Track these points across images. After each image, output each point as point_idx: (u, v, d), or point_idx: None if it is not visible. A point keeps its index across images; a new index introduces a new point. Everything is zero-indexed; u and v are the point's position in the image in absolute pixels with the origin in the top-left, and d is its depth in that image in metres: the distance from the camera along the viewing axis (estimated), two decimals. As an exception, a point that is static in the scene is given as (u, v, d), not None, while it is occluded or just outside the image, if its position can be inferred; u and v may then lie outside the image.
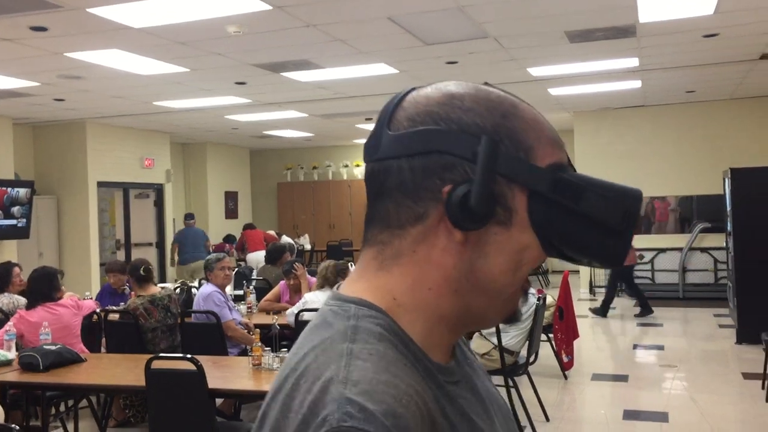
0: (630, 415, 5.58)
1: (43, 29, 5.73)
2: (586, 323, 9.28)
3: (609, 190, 0.74)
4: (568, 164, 0.77)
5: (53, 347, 4.55)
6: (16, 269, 6.30)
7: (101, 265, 10.91)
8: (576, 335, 6.88)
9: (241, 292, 7.31)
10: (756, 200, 7.98)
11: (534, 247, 0.75)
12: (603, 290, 10.51)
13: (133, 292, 5.82)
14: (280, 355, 4.24)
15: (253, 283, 7.81)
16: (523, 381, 5.56)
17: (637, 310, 9.96)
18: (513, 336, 5.32)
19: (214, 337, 5.40)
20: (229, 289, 6.54)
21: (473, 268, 0.74)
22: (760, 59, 8.10)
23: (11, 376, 4.40)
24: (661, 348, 7.95)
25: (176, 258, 12.21)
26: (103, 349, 5.67)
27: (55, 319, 4.98)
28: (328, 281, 5.66)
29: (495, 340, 5.18)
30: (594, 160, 11.63)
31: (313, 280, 6.30)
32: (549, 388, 6.23)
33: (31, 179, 10.65)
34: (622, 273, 9.75)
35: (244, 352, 5.52)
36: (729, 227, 8.53)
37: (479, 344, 5.36)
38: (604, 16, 6.07)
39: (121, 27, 5.72)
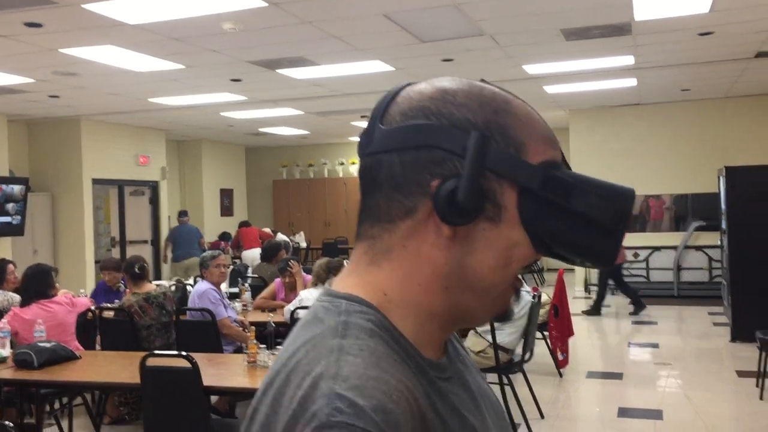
0: (624, 412, 5.59)
1: (38, 25, 5.70)
2: (581, 321, 9.30)
3: (601, 189, 0.73)
4: (563, 162, 0.77)
5: (48, 344, 4.54)
6: (11, 266, 6.29)
7: (96, 262, 10.88)
8: (571, 333, 6.89)
9: (236, 290, 7.30)
10: (751, 198, 8.00)
11: (524, 244, 0.74)
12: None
13: (128, 290, 5.81)
14: (275, 353, 4.24)
15: (249, 280, 7.80)
16: (518, 378, 5.57)
17: (632, 308, 9.98)
18: (508, 334, 5.32)
19: (209, 335, 5.40)
20: (224, 287, 6.53)
21: (462, 264, 0.74)
22: (755, 57, 8.12)
23: (6, 373, 4.39)
24: (655, 346, 7.97)
25: (168, 255, 12.20)
26: (97, 347, 5.66)
27: (50, 317, 4.97)
28: (321, 279, 5.66)
29: (490, 337, 5.19)
30: (589, 158, 11.64)
31: (309, 277, 6.30)
32: (544, 385, 6.24)
33: (26, 176, 10.62)
34: (611, 271, 9.75)
35: (239, 350, 5.52)
36: (724, 225, 8.55)
37: (474, 342, 5.37)
38: (599, 14, 6.07)
39: (116, 23, 5.70)
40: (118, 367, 4.54)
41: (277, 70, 7.87)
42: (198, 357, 3.85)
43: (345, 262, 5.92)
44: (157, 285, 6.02)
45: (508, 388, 5.14)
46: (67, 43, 6.31)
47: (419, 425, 0.66)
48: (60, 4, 5.16)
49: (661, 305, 10.53)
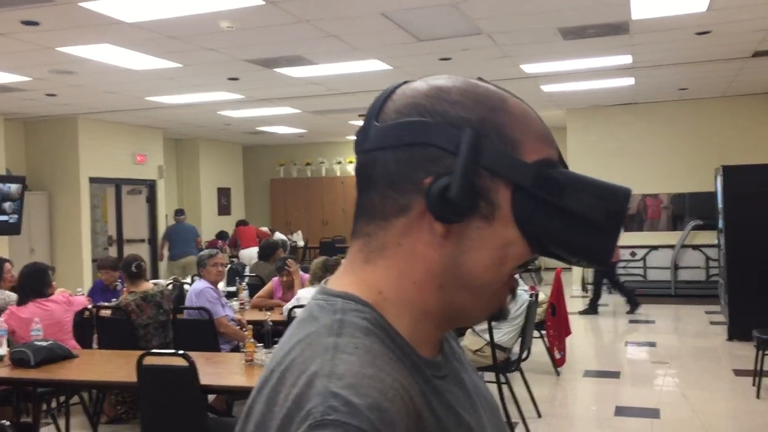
0: (621, 411, 5.59)
1: (34, 23, 5.69)
2: (578, 320, 9.31)
3: (596, 188, 0.73)
4: (559, 161, 0.77)
5: (44, 343, 4.53)
6: (8, 265, 6.27)
7: (93, 261, 10.87)
8: (568, 332, 6.90)
9: (233, 289, 7.30)
10: (748, 197, 8.01)
11: (518, 243, 0.74)
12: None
13: (125, 289, 5.81)
14: (272, 352, 4.23)
15: (246, 279, 7.80)
16: (515, 377, 5.58)
17: (629, 306, 9.99)
18: (505, 332, 5.32)
19: (206, 334, 5.39)
20: (221, 286, 6.52)
21: (456, 262, 0.74)
22: (753, 57, 8.13)
23: (2, 372, 4.38)
24: (652, 345, 7.98)
25: (165, 254, 12.18)
26: (94, 346, 5.65)
27: (47, 315, 4.97)
28: (318, 277, 5.66)
29: (487, 336, 5.19)
30: (586, 157, 11.64)
31: (306, 276, 6.30)
32: (541, 384, 6.24)
33: (23, 175, 10.60)
34: (605, 270, 9.76)
35: (236, 349, 5.51)
36: (721, 224, 8.56)
37: (472, 341, 5.37)
38: (597, 13, 6.07)
39: (113, 21, 5.69)
40: (115, 366, 4.53)
41: (275, 69, 7.86)
42: (195, 356, 3.84)
43: (342, 260, 5.91)
44: (155, 284, 6.02)
45: (505, 387, 5.14)
46: (64, 41, 6.30)
47: (414, 423, 0.66)
48: (57, 2, 5.15)
49: (658, 304, 10.55)
